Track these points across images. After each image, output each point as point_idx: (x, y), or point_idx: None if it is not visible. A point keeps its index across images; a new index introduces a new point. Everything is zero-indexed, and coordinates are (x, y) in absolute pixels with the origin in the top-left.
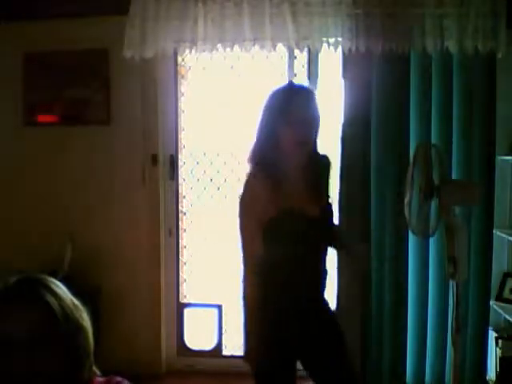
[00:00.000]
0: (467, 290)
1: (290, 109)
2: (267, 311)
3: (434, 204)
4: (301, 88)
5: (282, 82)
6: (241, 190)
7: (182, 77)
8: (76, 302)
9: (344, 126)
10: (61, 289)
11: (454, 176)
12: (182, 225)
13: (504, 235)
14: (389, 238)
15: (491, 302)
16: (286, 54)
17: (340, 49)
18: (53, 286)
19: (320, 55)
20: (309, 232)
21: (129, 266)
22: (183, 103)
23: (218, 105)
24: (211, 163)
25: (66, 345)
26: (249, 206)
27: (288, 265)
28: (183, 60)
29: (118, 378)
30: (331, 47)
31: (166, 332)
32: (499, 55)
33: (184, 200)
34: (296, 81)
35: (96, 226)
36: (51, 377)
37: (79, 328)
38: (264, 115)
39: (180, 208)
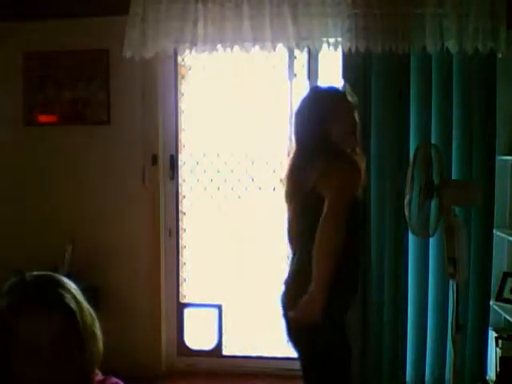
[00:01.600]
0: (467, 290)
1: (345, 105)
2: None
3: (434, 204)
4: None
5: (282, 81)
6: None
7: (182, 77)
8: (90, 309)
9: None
10: (78, 293)
11: (453, 176)
12: (182, 225)
13: (504, 235)
14: (389, 237)
15: (491, 302)
16: (286, 54)
17: (340, 49)
18: (73, 291)
19: (320, 55)
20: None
21: (129, 265)
22: (183, 103)
23: (218, 105)
24: (211, 163)
25: (81, 350)
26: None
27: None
28: (183, 60)
29: (114, 379)
30: (331, 47)
31: (166, 332)
32: (499, 55)
33: (184, 200)
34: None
35: (96, 225)
36: (65, 380)
37: (93, 335)
38: (318, 112)
39: (180, 208)
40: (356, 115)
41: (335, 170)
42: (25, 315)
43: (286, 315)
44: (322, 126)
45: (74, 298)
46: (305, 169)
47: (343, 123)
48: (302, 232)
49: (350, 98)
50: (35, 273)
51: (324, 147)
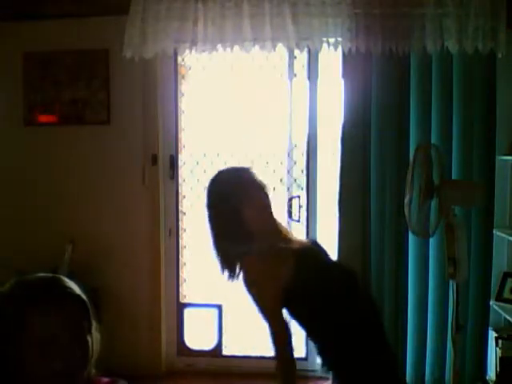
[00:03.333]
0: (467, 290)
1: (250, 190)
2: None
3: (433, 204)
4: (244, 169)
5: (282, 81)
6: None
7: (182, 77)
8: None
9: (344, 125)
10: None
11: (454, 176)
12: (182, 225)
13: (504, 235)
14: (389, 238)
15: (491, 302)
16: (286, 54)
17: (340, 49)
18: (77, 286)
19: (320, 55)
20: None
21: (129, 266)
22: (183, 103)
23: (218, 105)
24: (211, 163)
25: (85, 341)
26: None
27: None
28: (183, 60)
29: (122, 382)
30: (331, 47)
31: (166, 332)
32: (499, 55)
33: (184, 200)
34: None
35: (96, 225)
36: (71, 372)
37: (93, 327)
38: (224, 205)
39: (180, 208)
40: (265, 195)
41: (247, 266)
42: (39, 308)
43: None
44: (235, 211)
45: (79, 289)
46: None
47: (253, 205)
48: None
49: (255, 177)
50: (39, 274)
51: (239, 236)
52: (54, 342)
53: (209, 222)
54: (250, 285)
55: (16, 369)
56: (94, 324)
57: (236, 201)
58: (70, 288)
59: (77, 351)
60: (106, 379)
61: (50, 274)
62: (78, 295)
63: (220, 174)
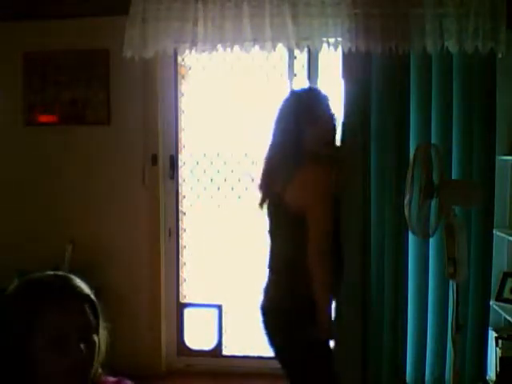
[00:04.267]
0: (467, 290)
1: (319, 111)
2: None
3: (434, 204)
4: (320, 92)
5: (282, 81)
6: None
7: (182, 77)
8: None
9: (344, 126)
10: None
11: (453, 176)
12: (182, 225)
13: (504, 235)
14: (389, 237)
15: (491, 302)
16: (286, 54)
17: (340, 49)
18: (85, 285)
19: (320, 55)
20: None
21: (129, 266)
22: (183, 103)
23: (218, 105)
24: (211, 163)
25: (92, 341)
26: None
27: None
28: (183, 60)
29: (128, 382)
30: (331, 47)
31: (166, 332)
32: (499, 55)
33: (184, 200)
34: (314, 85)
35: (96, 226)
36: (79, 371)
37: (100, 326)
38: (288, 117)
39: (180, 208)
40: (333, 122)
41: (299, 178)
42: (49, 308)
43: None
44: (297, 126)
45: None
46: (276, 171)
47: (318, 127)
48: (275, 231)
49: (328, 101)
50: (46, 272)
51: (295, 150)
52: (64, 341)
53: (272, 134)
54: (307, 197)
55: (26, 368)
56: (102, 323)
57: (302, 118)
58: (79, 287)
59: (85, 350)
60: (112, 379)
61: (59, 273)
62: (88, 295)
63: (301, 90)
